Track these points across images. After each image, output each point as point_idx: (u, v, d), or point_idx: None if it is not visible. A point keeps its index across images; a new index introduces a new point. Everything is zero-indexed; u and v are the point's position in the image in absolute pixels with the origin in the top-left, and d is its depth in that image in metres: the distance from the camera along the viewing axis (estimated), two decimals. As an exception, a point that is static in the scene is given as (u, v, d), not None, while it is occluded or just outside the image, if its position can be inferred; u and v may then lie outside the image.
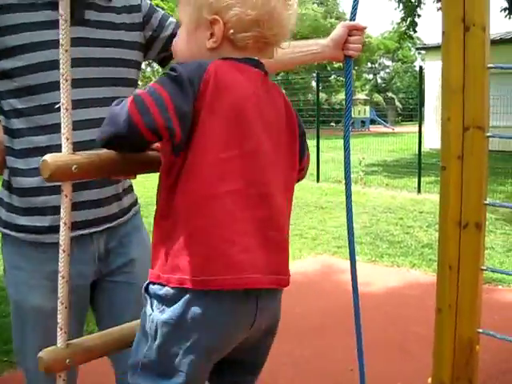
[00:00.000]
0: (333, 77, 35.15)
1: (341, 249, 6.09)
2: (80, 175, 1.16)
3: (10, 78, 1.63)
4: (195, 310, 1.16)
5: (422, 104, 11.75)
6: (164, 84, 1.14)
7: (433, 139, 16.04)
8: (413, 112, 27.94)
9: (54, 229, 1.56)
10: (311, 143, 12.37)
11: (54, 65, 1.48)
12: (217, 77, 1.16)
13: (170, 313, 1.17)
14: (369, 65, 50.10)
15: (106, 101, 1.57)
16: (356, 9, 1.75)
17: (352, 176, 1.86)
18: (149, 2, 1.88)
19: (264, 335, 1.32)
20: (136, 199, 1.98)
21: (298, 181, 1.40)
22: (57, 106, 1.11)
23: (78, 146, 1.29)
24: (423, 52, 23.08)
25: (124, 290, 1.85)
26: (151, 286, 1.22)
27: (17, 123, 1.67)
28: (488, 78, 2.24)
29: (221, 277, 1.15)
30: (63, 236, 1.18)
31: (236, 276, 1.16)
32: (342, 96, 31.12)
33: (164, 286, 1.18)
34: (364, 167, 12.10)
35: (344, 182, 1.73)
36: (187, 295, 1.15)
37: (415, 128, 11.65)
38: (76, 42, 1.51)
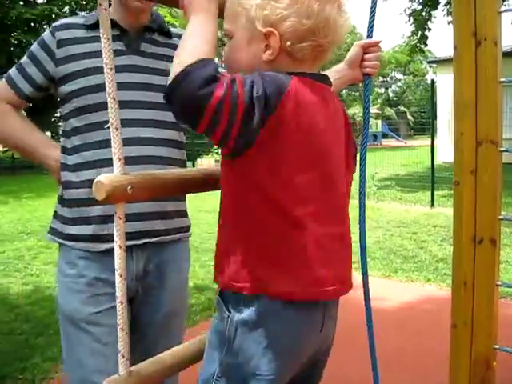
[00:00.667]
0: (345, 91, 35.20)
1: (354, 264, 5.97)
2: (136, 196, 1.14)
3: (70, 100, 1.84)
4: (274, 312, 1.18)
5: (434, 117, 11.71)
6: (255, 84, 1.10)
7: (446, 152, 15.98)
8: (425, 125, 27.87)
9: (97, 237, 1.77)
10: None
11: (103, 87, 1.63)
12: (297, 96, 1.14)
13: (249, 311, 1.19)
14: (380, 79, 50.15)
15: (162, 123, 1.85)
16: (372, 26, 1.75)
17: (366, 190, 1.85)
18: None
19: (324, 351, 1.37)
20: (188, 227, 2.02)
21: None
22: (106, 125, 1.13)
23: (131, 160, 1.55)
24: (435, 65, 23.03)
25: (150, 311, 1.92)
26: (226, 292, 1.24)
27: (74, 141, 1.84)
28: (501, 92, 2.23)
29: (303, 289, 1.18)
30: (118, 258, 1.16)
31: (317, 289, 1.20)
32: (353, 110, 31.16)
33: (240, 293, 1.20)
34: (377, 181, 12.06)
35: (358, 196, 1.73)
36: (265, 301, 1.18)
37: (428, 141, 11.59)
38: (130, 68, 1.81)
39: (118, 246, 1.13)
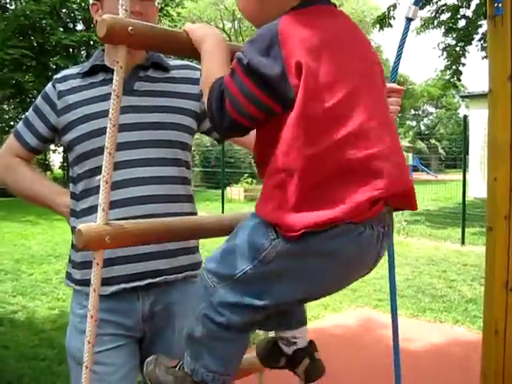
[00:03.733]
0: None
1: (382, 302, 5.95)
2: (114, 245, 1.17)
3: (72, 149, 1.90)
4: (335, 243, 1.12)
5: (466, 152, 11.60)
6: (246, 73, 1.13)
7: (477, 188, 15.78)
8: (456, 160, 27.64)
9: (103, 281, 1.70)
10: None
11: (101, 132, 1.65)
12: (294, 33, 1.13)
13: (296, 244, 1.12)
14: (412, 112, 50.01)
15: (154, 161, 1.84)
16: (397, 70, 1.75)
17: (394, 226, 1.82)
18: None
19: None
20: (197, 264, 1.97)
21: None
22: (97, 177, 1.15)
23: (127, 202, 1.65)
24: (467, 100, 22.90)
25: (160, 352, 1.88)
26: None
27: (78, 187, 1.89)
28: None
29: (373, 212, 1.13)
30: (92, 300, 1.17)
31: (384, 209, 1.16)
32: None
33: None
34: (407, 216, 11.92)
35: None
36: (328, 232, 1.11)
37: (459, 176, 11.47)
38: (126, 109, 1.76)
39: (92, 289, 1.16)
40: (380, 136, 1.15)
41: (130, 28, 1.10)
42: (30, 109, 2.02)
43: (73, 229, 1.89)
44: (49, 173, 25.03)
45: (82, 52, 23.02)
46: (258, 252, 1.16)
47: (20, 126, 2.03)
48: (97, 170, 1.78)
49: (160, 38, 1.22)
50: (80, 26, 23.24)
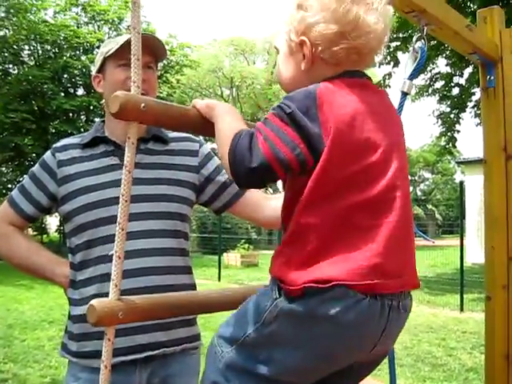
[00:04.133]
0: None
1: (381, 371, 5.77)
2: (126, 320, 1.17)
3: (70, 219, 1.89)
4: (328, 308, 1.11)
5: (463, 218, 11.62)
6: (285, 120, 1.15)
7: (475, 253, 15.72)
8: (453, 225, 27.64)
9: (100, 354, 1.65)
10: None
11: (100, 204, 1.65)
12: (331, 99, 1.16)
13: (300, 303, 1.12)
14: (408, 177, 50.31)
15: (155, 232, 1.84)
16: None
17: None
18: (208, 148, 2.05)
19: (374, 361, 1.28)
20: (195, 336, 1.95)
21: None
22: (110, 253, 1.15)
23: (129, 273, 1.60)
24: (463, 165, 23.13)
25: None
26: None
27: (77, 257, 1.87)
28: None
29: (375, 281, 1.12)
30: (103, 378, 1.16)
31: (378, 279, 1.13)
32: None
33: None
34: (404, 282, 11.80)
35: None
36: (327, 293, 1.11)
37: (456, 241, 11.45)
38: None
39: (104, 365, 1.15)
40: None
41: (143, 105, 1.11)
42: (27, 177, 2.00)
43: (70, 300, 1.88)
44: (45, 236, 24.93)
45: (82, 117, 23.34)
46: (261, 314, 1.17)
47: (15, 193, 2.00)
48: (95, 242, 1.80)
49: (171, 114, 1.24)
50: (81, 91, 23.64)
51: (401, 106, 1.75)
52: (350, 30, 1.21)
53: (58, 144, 2.00)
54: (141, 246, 1.80)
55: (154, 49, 1.92)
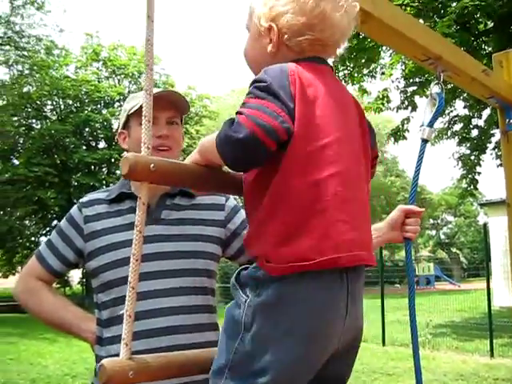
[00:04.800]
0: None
1: (411, 421, 5.65)
2: (137, 380, 1.16)
3: (97, 276, 1.89)
4: (296, 288, 1.15)
5: (488, 260, 11.44)
6: (260, 96, 1.19)
7: (502, 296, 15.43)
8: (479, 268, 27.22)
9: None
10: (375, 303, 12.09)
11: (127, 261, 1.65)
12: (300, 77, 1.23)
13: (268, 294, 1.16)
14: (431, 221, 49.95)
15: (182, 290, 1.83)
16: (415, 191, 1.77)
17: (419, 339, 1.77)
18: (234, 202, 2.06)
19: (350, 346, 1.28)
20: None
21: (371, 177, 1.43)
22: (120, 312, 1.15)
23: (151, 333, 1.67)
24: (486, 207, 22.89)
25: None
26: (244, 272, 1.23)
27: (103, 314, 1.86)
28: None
29: (337, 255, 1.15)
30: None
31: (350, 253, 1.18)
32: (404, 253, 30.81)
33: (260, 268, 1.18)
34: (431, 329, 11.58)
35: (411, 345, 1.65)
36: (285, 279, 1.15)
37: (482, 284, 11.25)
38: (151, 238, 1.79)
39: None
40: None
41: (152, 165, 1.13)
42: (54, 232, 2.02)
43: (97, 356, 1.87)
44: (68, 288, 25.00)
45: (104, 169, 23.69)
46: (239, 323, 1.18)
47: (43, 248, 2.01)
48: (122, 299, 1.79)
49: (182, 173, 1.25)
50: (102, 144, 24.08)
51: (421, 152, 1.75)
52: (316, 24, 1.30)
53: (85, 199, 2.01)
54: (167, 304, 1.79)
55: (176, 104, 1.95)
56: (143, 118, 1.14)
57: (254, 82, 1.24)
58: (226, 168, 1.27)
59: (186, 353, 1.39)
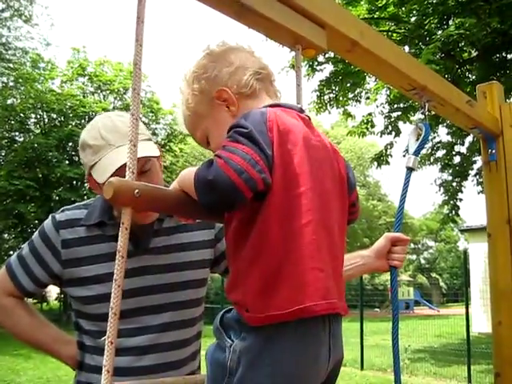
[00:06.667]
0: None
1: None
2: None
3: (79, 303, 1.81)
4: (280, 335, 1.14)
5: (467, 286, 11.52)
6: (241, 141, 1.17)
7: (481, 323, 15.46)
8: (458, 293, 27.34)
9: None
10: (354, 326, 12.08)
11: None
12: (278, 123, 1.22)
13: (252, 339, 1.15)
14: (412, 245, 50.18)
15: (172, 325, 1.79)
16: (401, 220, 1.77)
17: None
18: None
19: (331, 375, 1.27)
20: None
21: (350, 223, 1.41)
22: (102, 338, 1.13)
23: (142, 370, 1.65)
24: (466, 233, 23.05)
25: None
26: (228, 315, 1.22)
27: (85, 340, 1.82)
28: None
29: (313, 303, 1.14)
30: None
31: (326, 301, 1.17)
32: (385, 277, 30.92)
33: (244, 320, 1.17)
34: (410, 354, 11.58)
35: (392, 369, 1.66)
36: (270, 324, 1.14)
37: (461, 310, 11.30)
38: (142, 270, 1.75)
39: None
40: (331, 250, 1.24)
41: (137, 191, 1.11)
42: (26, 247, 1.88)
43: (77, 382, 1.83)
44: (45, 304, 24.67)
45: (86, 185, 23.49)
46: (224, 368, 1.17)
47: (15, 263, 1.88)
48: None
49: (167, 199, 1.24)
50: (85, 160, 23.89)
51: (407, 181, 1.76)
52: (244, 62, 1.38)
53: (62, 217, 1.85)
54: (159, 340, 1.76)
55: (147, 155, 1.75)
56: (129, 142, 1.12)
57: (235, 126, 1.22)
58: None
59: (170, 380, 1.38)
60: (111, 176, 1.61)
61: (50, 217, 1.89)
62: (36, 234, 1.88)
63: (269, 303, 1.14)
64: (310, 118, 1.36)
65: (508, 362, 2.19)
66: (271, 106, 1.31)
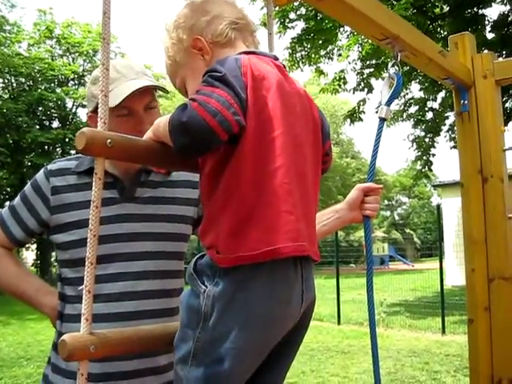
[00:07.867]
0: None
1: (365, 397, 5.79)
2: (99, 354, 1.15)
3: (65, 250, 1.82)
4: (252, 277, 1.16)
5: (441, 240, 11.72)
6: (215, 85, 1.18)
7: (454, 276, 15.82)
8: (432, 248, 27.82)
9: None
10: (330, 283, 12.26)
11: (100, 240, 1.60)
12: (252, 68, 1.23)
13: (225, 283, 1.17)
14: (385, 202, 50.75)
15: (150, 273, 1.80)
16: (373, 170, 1.78)
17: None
18: None
19: (303, 316, 1.29)
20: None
21: (323, 172, 1.43)
22: (79, 288, 1.13)
23: (120, 316, 1.65)
24: (439, 188, 23.36)
25: None
26: (201, 261, 1.24)
27: (67, 290, 1.81)
28: (510, 228, 2.22)
29: (282, 245, 1.16)
30: None
31: (296, 243, 1.18)
32: (360, 234, 31.28)
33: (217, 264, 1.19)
34: (385, 307, 11.82)
35: (368, 324, 1.69)
36: (242, 268, 1.16)
37: (435, 264, 11.51)
38: (124, 217, 1.78)
39: None
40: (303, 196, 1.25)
41: (109, 141, 1.11)
42: (18, 198, 1.90)
43: (58, 332, 1.82)
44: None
45: (58, 149, 23.24)
46: (198, 312, 1.19)
47: (6, 214, 1.91)
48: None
49: (139, 149, 1.23)
50: (56, 124, 23.58)
51: (379, 131, 1.77)
52: (221, 14, 1.38)
53: (53, 167, 1.89)
54: (141, 287, 1.77)
55: (152, 88, 1.85)
56: (100, 92, 1.12)
57: (209, 71, 1.23)
58: None
59: (149, 327, 1.37)
60: (124, 100, 1.72)
61: (42, 168, 1.93)
62: (28, 184, 1.92)
63: (239, 244, 1.16)
64: (284, 66, 1.36)
65: (481, 308, 2.24)
66: (246, 52, 1.31)
